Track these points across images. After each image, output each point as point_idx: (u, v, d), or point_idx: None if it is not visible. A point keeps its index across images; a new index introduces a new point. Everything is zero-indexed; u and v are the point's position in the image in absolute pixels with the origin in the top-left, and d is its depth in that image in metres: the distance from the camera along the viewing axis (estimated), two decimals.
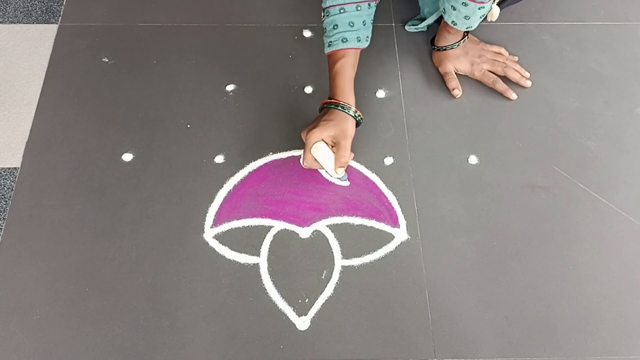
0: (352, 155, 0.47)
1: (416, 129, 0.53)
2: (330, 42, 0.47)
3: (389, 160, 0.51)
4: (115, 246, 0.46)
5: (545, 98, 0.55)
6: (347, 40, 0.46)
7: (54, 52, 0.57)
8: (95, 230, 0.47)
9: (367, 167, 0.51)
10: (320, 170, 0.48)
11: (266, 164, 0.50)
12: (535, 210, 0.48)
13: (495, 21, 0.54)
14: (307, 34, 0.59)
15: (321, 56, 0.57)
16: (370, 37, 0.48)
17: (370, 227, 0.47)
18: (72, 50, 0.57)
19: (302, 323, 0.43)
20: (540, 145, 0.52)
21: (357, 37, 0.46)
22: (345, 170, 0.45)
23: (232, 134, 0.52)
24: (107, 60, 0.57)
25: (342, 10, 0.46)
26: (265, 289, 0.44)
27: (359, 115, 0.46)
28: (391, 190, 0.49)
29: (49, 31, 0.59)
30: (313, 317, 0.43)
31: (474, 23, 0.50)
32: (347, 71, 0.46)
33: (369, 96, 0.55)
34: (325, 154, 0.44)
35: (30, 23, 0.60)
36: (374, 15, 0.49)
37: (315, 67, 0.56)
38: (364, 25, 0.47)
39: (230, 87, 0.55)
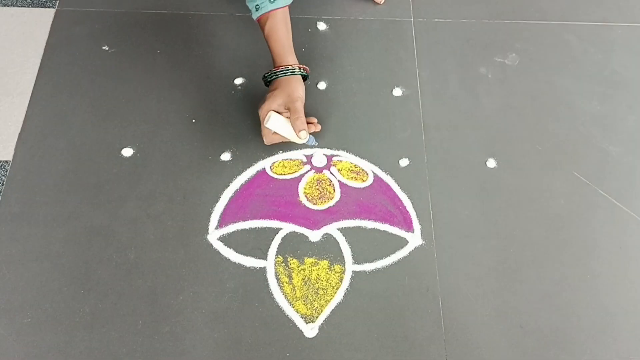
0: (317, 125, 0.47)
1: (433, 130, 0.52)
2: (258, 5, 0.44)
3: (404, 162, 0.50)
4: (112, 246, 0.44)
5: (567, 101, 0.54)
6: (274, 0, 0.44)
7: (50, 38, 0.55)
8: (92, 229, 0.45)
9: (381, 169, 0.49)
10: (289, 140, 0.46)
11: (275, 162, 0.49)
12: (554, 217, 0.47)
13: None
14: (321, 26, 0.57)
15: (337, 51, 0.56)
16: None
17: (384, 231, 0.46)
18: (70, 36, 0.55)
19: (310, 330, 0.42)
20: (561, 150, 0.51)
21: None
22: (310, 133, 0.45)
23: (240, 130, 0.50)
24: (107, 49, 0.54)
25: None
26: (272, 294, 0.43)
27: (303, 70, 0.45)
28: (406, 193, 0.48)
29: (46, 16, 0.56)
30: (321, 324, 0.42)
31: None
32: (280, 32, 0.44)
33: (385, 94, 0.53)
34: (280, 124, 0.43)
35: (25, 6, 0.57)
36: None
37: (329, 61, 0.55)
38: None
39: (238, 81, 0.53)
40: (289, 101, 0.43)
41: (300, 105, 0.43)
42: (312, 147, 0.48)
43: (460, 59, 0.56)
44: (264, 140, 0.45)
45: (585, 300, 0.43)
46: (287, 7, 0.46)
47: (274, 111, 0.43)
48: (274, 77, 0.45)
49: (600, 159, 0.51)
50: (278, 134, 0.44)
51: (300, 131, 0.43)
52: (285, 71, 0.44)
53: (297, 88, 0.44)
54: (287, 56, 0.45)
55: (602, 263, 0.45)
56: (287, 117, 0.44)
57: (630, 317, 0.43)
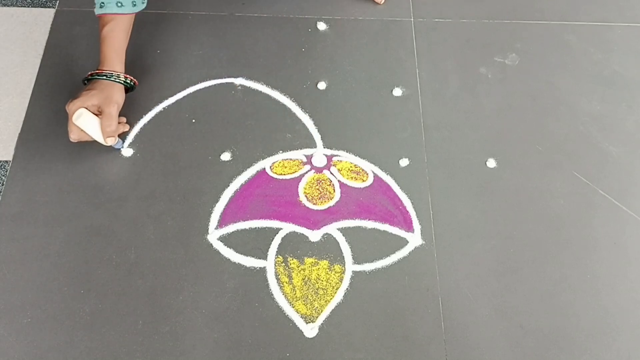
0: (126, 125, 0.47)
1: (433, 130, 0.51)
2: (103, 2, 0.44)
3: (404, 162, 0.49)
4: (112, 246, 0.44)
5: (567, 101, 0.54)
6: (122, 5, 0.44)
7: (50, 38, 0.55)
8: (91, 229, 0.45)
9: (381, 169, 0.49)
10: (95, 140, 0.45)
11: (275, 162, 0.49)
12: (554, 217, 0.47)
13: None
14: (321, 26, 0.57)
15: (337, 51, 0.56)
16: None
17: (384, 231, 0.46)
18: (70, 36, 0.55)
19: (310, 330, 0.41)
20: (561, 150, 0.51)
21: (133, 1, 0.44)
22: (120, 137, 0.46)
23: (240, 130, 0.50)
24: None
25: None
26: (272, 294, 0.43)
27: (130, 81, 0.46)
28: (406, 193, 0.48)
29: (46, 15, 0.56)
30: (321, 324, 0.42)
31: None
32: (117, 37, 0.44)
33: (385, 94, 0.53)
34: (89, 123, 0.43)
35: (25, 6, 0.57)
36: None
37: (329, 61, 0.55)
38: None
39: (238, 81, 0.53)
40: (104, 104, 0.43)
41: (114, 111, 0.43)
42: (118, 149, 0.47)
43: (460, 59, 0.56)
44: (70, 136, 0.44)
45: (585, 300, 0.43)
46: (133, 15, 0.46)
47: (86, 109, 0.43)
48: (97, 77, 0.44)
49: (600, 159, 0.51)
50: (84, 132, 0.44)
51: (108, 137, 0.43)
52: (109, 76, 0.44)
53: (116, 93, 0.44)
54: (116, 62, 0.45)
55: (602, 263, 0.45)
56: (98, 118, 0.43)
57: (630, 317, 0.43)
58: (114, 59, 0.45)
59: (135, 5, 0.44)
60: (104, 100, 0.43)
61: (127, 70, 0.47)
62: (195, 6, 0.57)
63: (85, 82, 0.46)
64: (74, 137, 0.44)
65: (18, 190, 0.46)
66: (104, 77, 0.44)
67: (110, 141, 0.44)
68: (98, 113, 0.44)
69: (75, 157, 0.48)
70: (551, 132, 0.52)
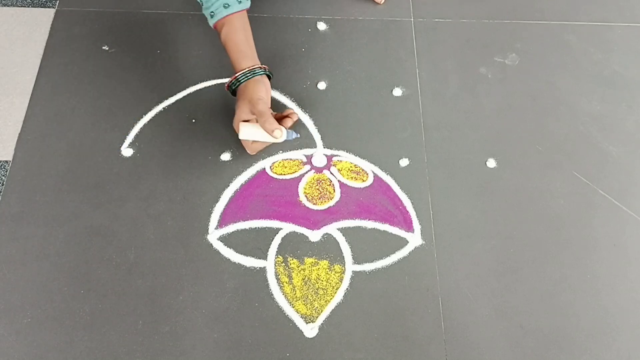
0: (293, 115, 0.45)
1: (433, 130, 0.51)
2: (212, 12, 0.44)
3: (404, 162, 0.49)
4: (112, 246, 0.44)
5: (567, 101, 0.54)
6: (229, 6, 0.44)
7: (50, 38, 0.55)
8: (92, 229, 0.45)
9: (381, 169, 0.49)
10: (270, 142, 0.45)
11: (275, 162, 0.49)
12: (554, 217, 0.47)
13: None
14: (321, 26, 0.57)
15: (337, 51, 0.56)
16: None
17: (384, 231, 0.46)
18: (70, 36, 0.55)
19: (310, 330, 0.41)
20: (561, 150, 0.51)
21: (238, 0, 0.44)
22: (289, 127, 0.44)
23: None
24: (107, 49, 0.54)
25: None
26: (272, 294, 0.42)
27: (262, 70, 0.44)
28: (406, 193, 0.48)
29: (46, 15, 0.56)
30: (321, 324, 0.42)
31: None
32: (237, 37, 0.44)
33: (385, 94, 0.53)
34: (252, 132, 0.43)
35: (25, 6, 0.57)
36: None
37: (329, 61, 0.55)
38: None
39: None
40: (251, 106, 0.42)
41: (263, 107, 0.42)
42: (294, 140, 0.47)
43: (460, 59, 0.56)
44: (248, 151, 0.45)
45: (585, 300, 0.43)
46: (245, 11, 0.45)
47: (244, 121, 0.43)
48: (237, 84, 0.44)
49: (600, 159, 0.51)
50: (257, 142, 0.44)
51: (273, 131, 0.42)
52: (240, 78, 0.43)
53: (255, 90, 0.43)
54: (245, 60, 0.44)
55: (602, 263, 0.45)
56: (256, 123, 0.43)
57: (630, 317, 0.43)
58: (239, 59, 0.44)
59: (240, 2, 0.44)
60: (249, 104, 0.42)
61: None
62: (195, 6, 0.57)
63: (233, 94, 0.45)
64: (250, 150, 0.45)
65: (18, 190, 0.46)
66: (242, 80, 0.43)
67: (277, 135, 0.42)
68: (254, 117, 0.43)
69: (75, 157, 0.48)
70: (551, 132, 0.52)
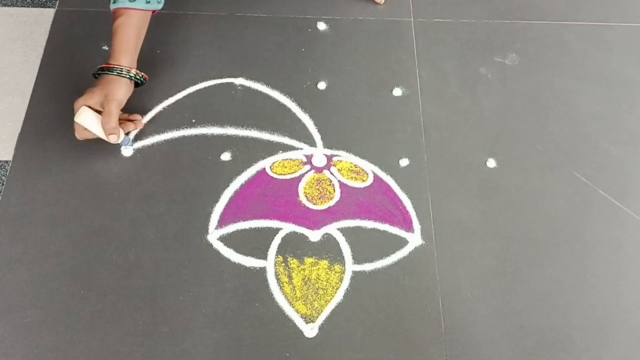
0: (137, 123, 0.46)
1: (433, 130, 0.51)
2: None
3: (404, 162, 0.49)
4: (112, 246, 0.44)
5: (567, 101, 0.54)
6: (134, 0, 0.43)
7: (50, 38, 0.55)
8: (92, 230, 0.45)
9: (381, 169, 0.49)
10: (99, 137, 0.45)
11: (275, 162, 0.49)
12: (554, 217, 0.47)
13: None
14: (321, 26, 0.57)
15: (337, 51, 0.56)
16: None
17: (384, 231, 0.46)
18: (70, 36, 0.55)
19: (310, 330, 0.41)
20: (561, 150, 0.51)
21: None
22: (126, 134, 0.45)
23: (240, 130, 0.50)
24: (107, 48, 0.54)
25: None
26: (272, 294, 0.42)
27: (140, 76, 0.45)
28: (406, 193, 0.48)
29: (46, 15, 0.56)
30: (321, 324, 0.42)
31: None
32: (126, 32, 0.43)
33: (385, 94, 0.53)
34: (90, 121, 0.42)
35: (25, 6, 0.57)
36: None
37: (330, 62, 0.55)
38: None
39: (238, 81, 0.53)
40: (105, 101, 0.42)
41: (113, 108, 0.42)
42: (126, 147, 0.47)
43: (460, 59, 0.56)
44: (76, 134, 0.44)
45: (585, 300, 0.43)
46: (149, 13, 0.45)
47: (88, 107, 0.42)
48: (104, 72, 0.43)
49: (600, 159, 0.51)
50: (89, 132, 0.43)
51: (109, 135, 0.43)
52: (113, 70, 0.43)
53: (117, 90, 0.43)
54: (123, 56, 0.43)
55: (602, 263, 0.45)
56: (100, 116, 0.43)
57: (630, 317, 0.43)
58: (122, 52, 0.44)
59: (149, 2, 0.44)
60: (104, 98, 0.42)
61: None
62: (195, 6, 0.57)
63: (95, 76, 0.45)
64: (78, 135, 0.44)
65: (18, 190, 0.46)
66: (109, 72, 0.43)
67: (113, 139, 0.43)
68: (101, 110, 0.43)
69: (75, 157, 0.48)
70: (551, 132, 0.52)
